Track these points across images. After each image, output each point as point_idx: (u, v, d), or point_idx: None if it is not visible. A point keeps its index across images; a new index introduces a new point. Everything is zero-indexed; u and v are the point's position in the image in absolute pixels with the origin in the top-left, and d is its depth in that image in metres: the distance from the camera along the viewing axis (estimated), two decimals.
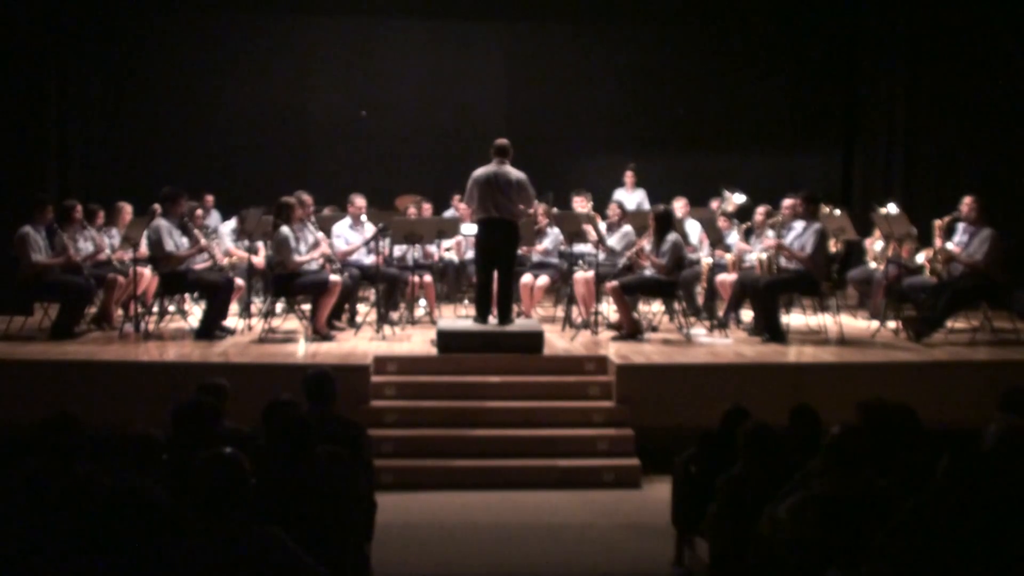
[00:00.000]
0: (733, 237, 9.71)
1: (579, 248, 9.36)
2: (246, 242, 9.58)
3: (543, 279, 9.37)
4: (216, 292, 8.33)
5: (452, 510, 6.25)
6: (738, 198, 10.43)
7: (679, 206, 9.90)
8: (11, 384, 7.03)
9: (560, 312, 9.35)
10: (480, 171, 7.93)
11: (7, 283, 8.36)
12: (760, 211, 9.43)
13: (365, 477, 4.67)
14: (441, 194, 11.10)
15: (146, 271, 8.72)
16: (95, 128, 12.12)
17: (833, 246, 9.18)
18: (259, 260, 9.48)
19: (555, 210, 9.82)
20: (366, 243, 9.06)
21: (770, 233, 8.85)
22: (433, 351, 7.73)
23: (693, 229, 9.86)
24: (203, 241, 8.52)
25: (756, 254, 8.96)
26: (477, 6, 12.63)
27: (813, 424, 4.55)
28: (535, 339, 7.74)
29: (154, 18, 12.17)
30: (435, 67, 12.81)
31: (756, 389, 6.90)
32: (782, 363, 7.64)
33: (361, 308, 9.42)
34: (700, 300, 9.50)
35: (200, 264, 8.84)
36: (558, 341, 8.24)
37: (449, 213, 10.91)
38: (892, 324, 8.82)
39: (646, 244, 8.51)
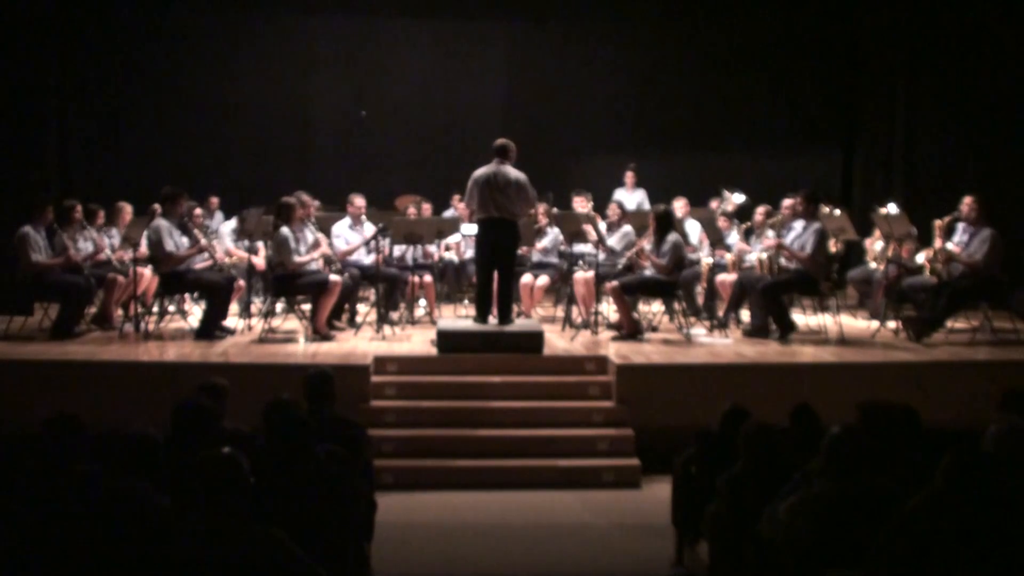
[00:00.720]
0: (733, 237, 9.72)
1: (579, 248, 9.36)
2: (246, 242, 9.59)
3: (543, 279, 9.38)
4: (216, 292, 8.33)
5: (452, 510, 6.25)
6: (738, 198, 10.43)
7: (679, 206, 9.90)
8: (11, 384, 7.03)
9: (560, 312, 9.34)
10: (480, 171, 7.93)
11: (7, 283, 8.37)
12: (760, 211, 9.44)
13: (365, 477, 4.68)
14: (441, 194, 11.10)
15: (146, 271, 8.72)
16: (95, 128, 12.12)
17: (833, 246, 9.18)
18: (259, 260, 9.49)
19: (555, 210, 9.83)
20: (366, 243, 9.06)
21: (770, 233, 8.85)
22: (433, 351, 7.73)
23: (693, 229, 9.86)
24: (203, 241, 8.52)
25: (756, 254, 8.96)
26: (477, 6, 12.63)
27: (813, 424, 4.55)
28: (535, 339, 7.74)
29: (154, 18, 12.17)
30: (435, 67, 12.81)
31: (756, 389, 6.90)
32: (782, 363, 7.64)
33: (361, 308, 9.42)
34: (700, 300, 9.50)
35: (200, 264, 8.84)
36: (558, 341, 8.24)
37: (449, 213, 10.91)
38: (892, 324, 8.82)
39: (646, 244, 8.51)
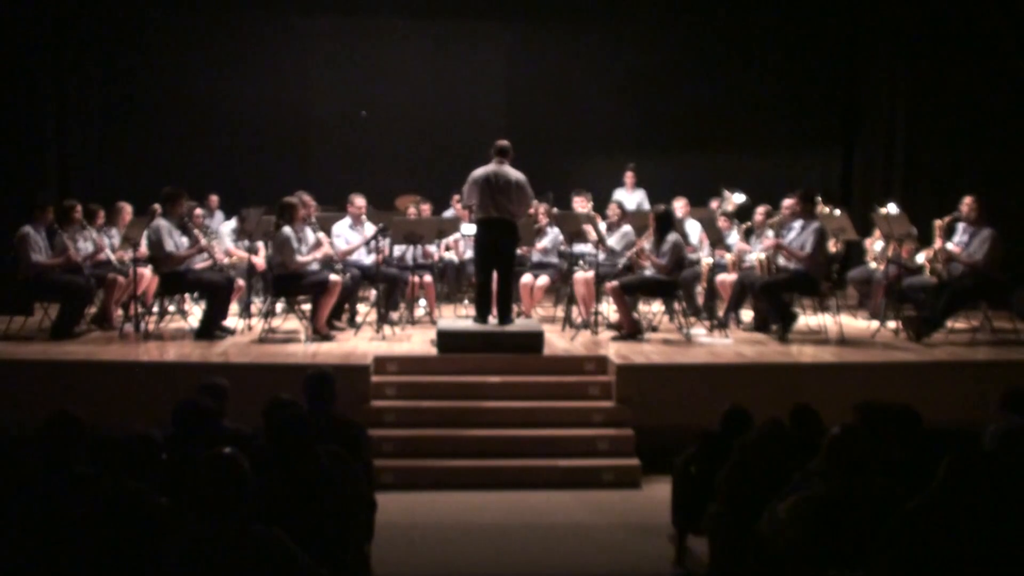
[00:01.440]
0: (733, 237, 9.72)
1: (579, 248, 9.36)
2: (246, 242, 9.58)
3: (543, 279, 9.37)
4: (216, 292, 8.33)
5: (452, 510, 6.25)
6: (738, 198, 10.43)
7: (679, 206, 9.91)
8: (11, 384, 7.03)
9: (560, 312, 9.34)
10: (479, 171, 7.93)
11: (7, 283, 8.37)
12: (760, 211, 9.44)
13: (365, 477, 4.67)
14: (441, 194, 11.10)
15: (146, 271, 8.72)
16: (95, 128, 12.12)
17: (833, 246, 9.19)
18: (259, 260, 9.49)
19: (555, 210, 9.82)
20: (366, 243, 9.06)
21: (770, 233, 8.85)
22: (433, 351, 7.73)
23: (693, 229, 9.86)
24: (203, 241, 8.52)
25: (756, 254, 8.96)
26: (477, 6, 12.63)
27: (813, 424, 4.55)
28: (535, 339, 7.74)
29: (154, 18, 12.17)
30: (435, 67, 12.81)
31: (756, 389, 6.90)
32: (782, 363, 7.64)
33: (361, 308, 9.42)
34: (700, 300, 9.50)
35: (200, 264, 8.84)
36: (558, 341, 8.24)
37: (449, 213, 10.91)
38: (892, 324, 8.82)
39: (646, 244, 8.51)
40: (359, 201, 9.21)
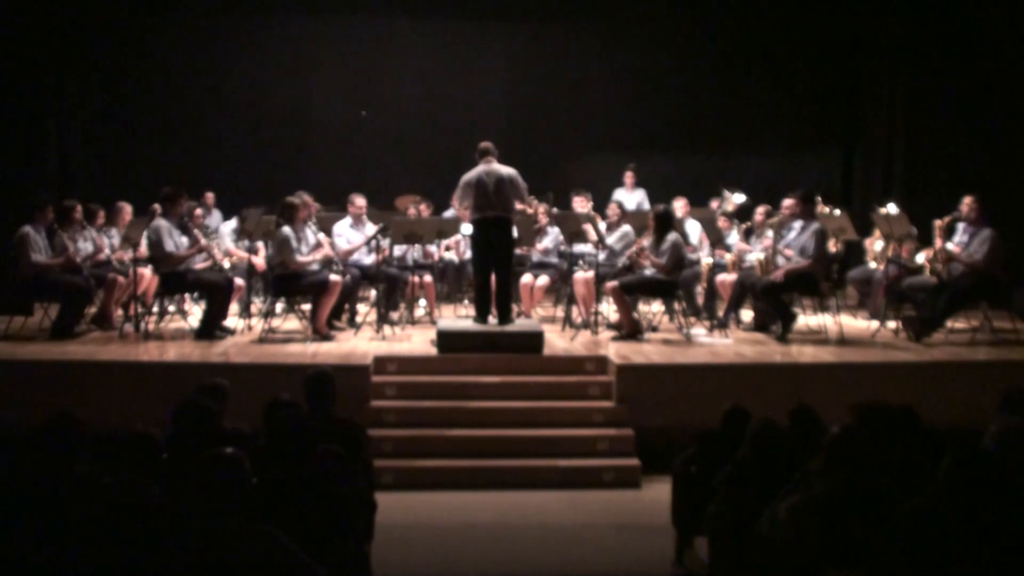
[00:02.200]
0: (733, 237, 9.72)
1: (579, 248, 9.36)
2: (246, 242, 9.58)
3: (543, 279, 9.37)
4: (216, 292, 8.33)
5: (452, 510, 6.25)
6: (738, 198, 10.43)
7: (679, 206, 9.90)
8: (11, 384, 7.03)
9: (560, 312, 9.34)
10: (470, 173, 7.96)
11: (7, 283, 8.37)
12: (760, 211, 9.44)
13: (365, 477, 4.67)
14: (441, 194, 11.09)
15: (146, 271, 8.72)
16: (95, 128, 12.11)
17: (833, 246, 9.19)
18: (259, 260, 9.49)
19: (555, 210, 9.82)
20: (367, 242, 9.07)
21: (769, 233, 8.85)
22: (433, 351, 7.73)
23: (693, 229, 9.86)
24: (203, 241, 8.53)
25: (756, 254, 8.96)
26: (477, 6, 12.62)
27: (813, 424, 4.55)
28: (535, 339, 7.74)
29: (154, 18, 12.15)
30: (435, 67, 12.80)
31: (756, 389, 6.90)
32: (782, 363, 7.64)
33: (361, 308, 9.42)
34: (700, 300, 9.50)
35: (200, 264, 8.84)
36: (558, 341, 8.24)
37: (449, 213, 10.90)
38: (892, 324, 8.82)
39: (646, 244, 8.51)
40: (359, 201, 9.22)
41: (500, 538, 5.80)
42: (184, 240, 8.39)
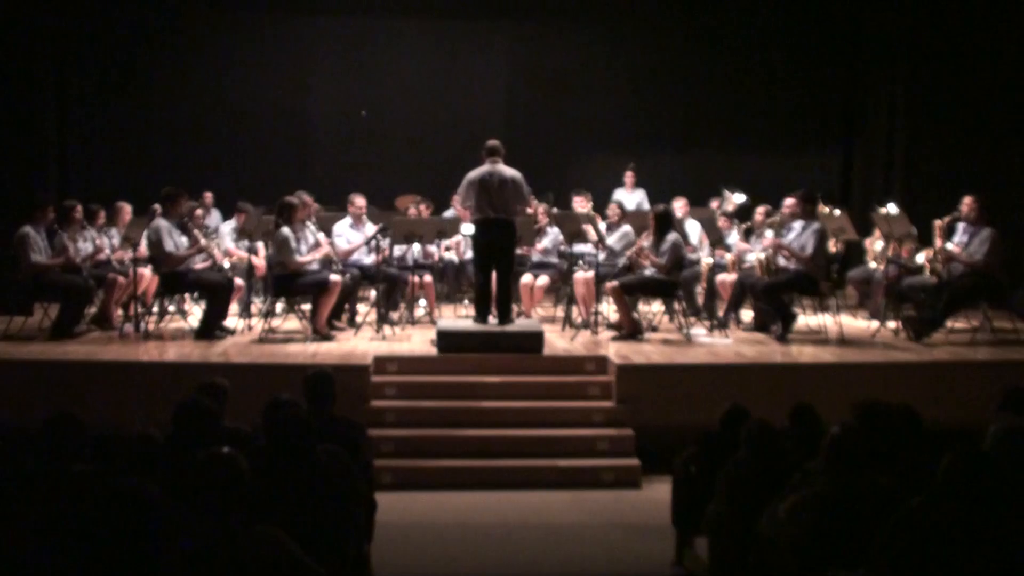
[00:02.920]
0: (733, 237, 9.71)
1: (579, 248, 9.36)
2: (246, 242, 9.58)
3: (543, 279, 9.37)
4: (216, 292, 8.33)
5: (452, 510, 6.25)
6: (738, 198, 10.43)
7: (679, 206, 9.90)
8: (11, 384, 7.03)
9: (560, 312, 9.34)
10: (474, 172, 7.94)
11: (7, 283, 8.36)
12: (760, 211, 9.43)
13: (365, 477, 4.67)
14: (441, 194, 11.10)
15: (146, 271, 8.72)
16: (95, 128, 12.12)
17: (833, 246, 9.19)
18: (259, 261, 9.48)
19: (555, 210, 9.82)
20: (367, 242, 9.07)
21: (769, 233, 8.85)
22: (433, 351, 7.73)
23: (693, 229, 9.86)
24: (203, 241, 8.53)
25: (756, 254, 8.96)
26: (477, 6, 12.63)
27: (813, 424, 4.55)
28: (535, 339, 7.73)
29: (154, 18, 12.16)
30: (435, 67, 12.81)
31: (756, 389, 6.90)
32: (782, 363, 7.64)
33: (361, 308, 9.42)
34: (700, 300, 9.50)
35: (200, 264, 8.84)
36: (558, 341, 8.24)
37: (449, 213, 10.91)
38: (892, 324, 8.82)
39: (645, 244, 8.51)
40: (359, 201, 9.22)
41: (500, 538, 5.80)
42: (184, 240, 8.39)
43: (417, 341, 8.22)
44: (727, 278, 9.08)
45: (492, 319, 8.07)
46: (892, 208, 9.48)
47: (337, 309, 8.74)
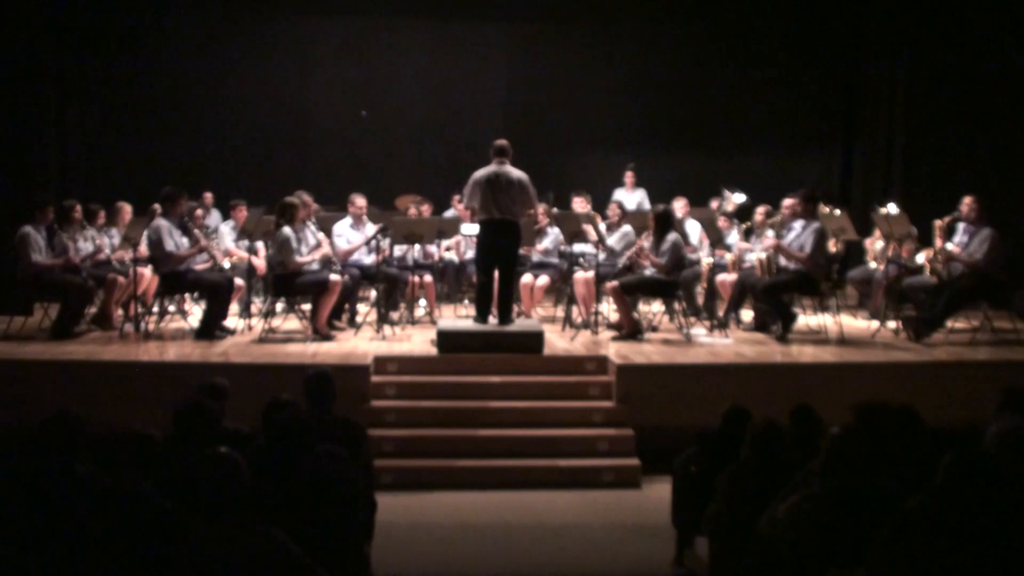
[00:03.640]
0: (733, 237, 9.71)
1: (579, 248, 9.36)
2: (246, 242, 9.58)
3: (543, 279, 9.37)
4: (216, 292, 8.33)
5: (452, 510, 6.25)
6: (738, 198, 10.43)
7: (679, 206, 9.90)
8: (11, 384, 7.03)
9: (560, 312, 9.34)
10: (481, 172, 7.92)
11: (7, 283, 8.37)
12: (760, 211, 9.43)
13: (365, 477, 4.67)
14: (441, 194, 11.10)
15: (146, 271, 8.72)
16: (95, 128, 12.11)
17: (833, 246, 9.18)
18: (259, 261, 9.48)
19: (555, 210, 9.83)
20: (367, 242, 9.07)
21: (770, 233, 8.85)
22: (433, 351, 7.73)
23: (693, 229, 9.86)
24: (203, 241, 8.53)
25: (756, 254, 8.96)
26: (477, 6, 12.63)
27: (813, 424, 4.55)
28: (535, 339, 7.74)
29: (154, 18, 12.17)
30: (435, 67, 12.81)
31: (756, 389, 6.90)
32: (782, 363, 7.65)
33: (361, 308, 9.42)
34: (700, 300, 9.50)
35: (200, 264, 8.84)
36: (558, 341, 8.24)
37: (449, 213, 10.91)
38: (892, 324, 8.82)
39: (646, 244, 8.51)
40: (360, 201, 9.22)
41: (500, 538, 5.80)
42: (184, 240, 8.39)
43: (417, 341, 8.22)
44: (727, 278, 9.08)
45: (492, 319, 8.07)
46: (892, 208, 9.48)
47: (337, 309, 8.74)
